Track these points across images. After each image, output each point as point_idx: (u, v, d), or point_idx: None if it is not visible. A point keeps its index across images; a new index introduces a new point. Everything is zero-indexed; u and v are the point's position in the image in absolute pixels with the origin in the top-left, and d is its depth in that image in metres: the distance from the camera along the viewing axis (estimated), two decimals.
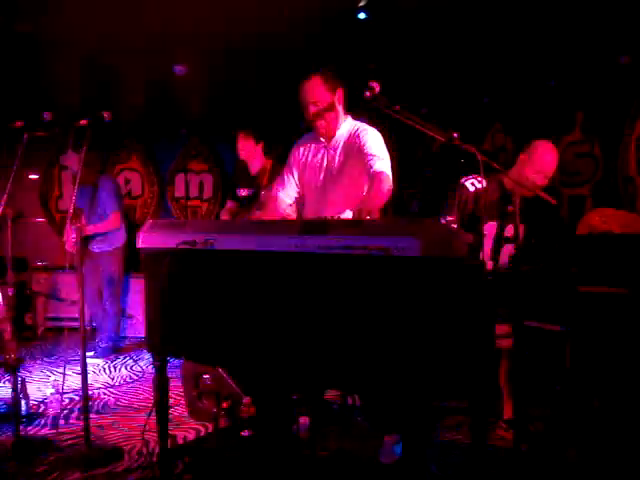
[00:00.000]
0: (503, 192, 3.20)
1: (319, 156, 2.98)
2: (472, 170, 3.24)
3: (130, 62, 4.78)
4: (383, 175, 2.69)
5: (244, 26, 3.96)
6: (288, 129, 5.60)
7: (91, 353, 5.11)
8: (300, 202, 3.14)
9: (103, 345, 5.30)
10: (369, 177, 2.76)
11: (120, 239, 5.26)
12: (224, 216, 4.56)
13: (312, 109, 2.82)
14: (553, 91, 5.33)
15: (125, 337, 6.04)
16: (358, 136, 2.84)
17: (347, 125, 2.93)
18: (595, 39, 4.22)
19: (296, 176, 3.07)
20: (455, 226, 3.12)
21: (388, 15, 3.70)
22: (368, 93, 2.24)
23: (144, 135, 7.49)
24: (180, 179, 7.54)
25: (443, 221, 3.14)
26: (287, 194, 3.08)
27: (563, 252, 2.66)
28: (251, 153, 4.30)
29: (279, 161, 4.22)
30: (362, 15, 3.62)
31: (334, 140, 2.93)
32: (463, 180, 3.22)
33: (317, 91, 2.79)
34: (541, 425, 3.26)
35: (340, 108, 2.89)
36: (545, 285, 2.66)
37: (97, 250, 5.19)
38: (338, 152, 2.91)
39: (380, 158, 2.75)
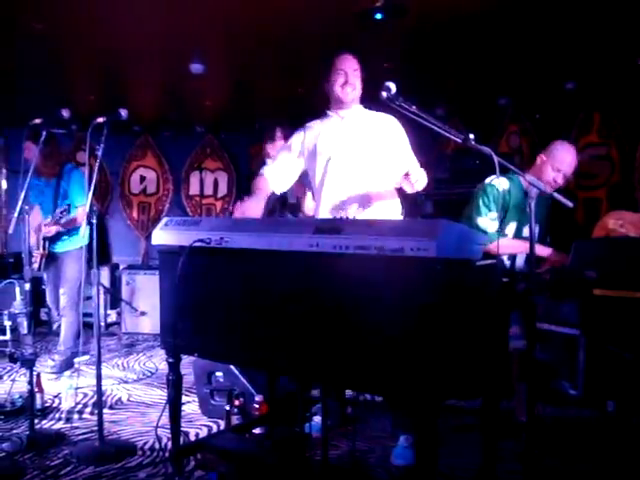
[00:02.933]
0: (522, 193, 3.20)
1: (335, 128, 2.99)
2: (488, 171, 3.24)
3: (147, 60, 4.80)
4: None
5: (260, 25, 3.97)
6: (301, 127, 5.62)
7: (52, 363, 4.65)
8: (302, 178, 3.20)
9: (61, 358, 4.67)
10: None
11: (85, 238, 4.36)
12: (238, 212, 4.54)
13: (351, 75, 2.90)
14: (570, 92, 5.29)
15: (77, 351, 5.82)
16: (379, 121, 2.96)
17: (361, 108, 3.01)
18: (614, 40, 4.19)
19: (296, 154, 3.05)
20: (498, 223, 3.12)
21: (404, 15, 3.68)
22: (384, 93, 2.23)
23: (159, 132, 7.54)
24: (195, 177, 7.58)
25: (484, 218, 3.14)
26: (278, 172, 3.07)
27: (579, 254, 2.65)
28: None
29: None
30: (379, 15, 3.61)
31: (349, 114, 2.98)
32: (489, 180, 3.21)
33: (356, 63, 2.92)
34: (554, 428, 3.25)
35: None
36: (560, 288, 2.65)
37: (59, 250, 4.69)
38: (359, 125, 2.96)
39: (411, 161, 2.93)
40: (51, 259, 4.69)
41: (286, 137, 4.24)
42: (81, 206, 4.44)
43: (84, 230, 4.13)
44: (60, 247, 4.69)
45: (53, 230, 4.52)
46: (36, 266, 4.65)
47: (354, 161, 2.91)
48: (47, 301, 4.94)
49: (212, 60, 4.72)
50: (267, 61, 4.79)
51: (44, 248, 4.63)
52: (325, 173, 2.96)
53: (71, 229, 4.58)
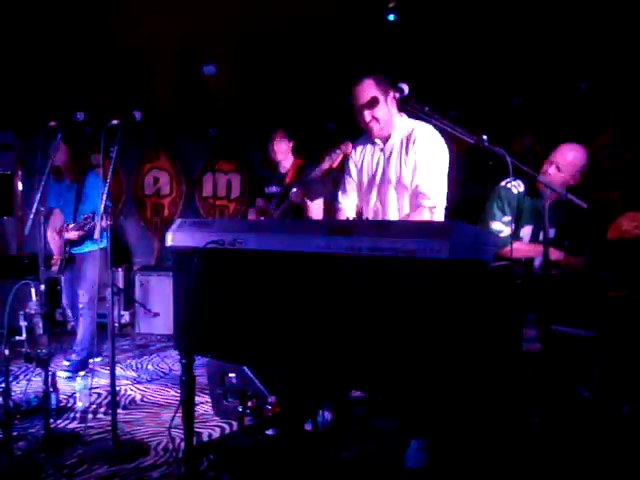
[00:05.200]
0: (538, 196, 3.18)
1: (375, 158, 2.96)
2: (501, 172, 3.23)
3: (160, 62, 4.84)
4: (424, 211, 2.72)
5: (273, 26, 3.99)
6: (317, 129, 5.63)
7: (67, 363, 4.74)
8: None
9: (77, 358, 4.70)
10: (411, 207, 2.80)
11: (104, 240, 4.24)
12: (252, 214, 4.60)
13: (366, 113, 2.82)
14: (584, 93, 5.26)
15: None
16: (414, 143, 2.81)
17: (403, 125, 2.89)
18: (626, 40, 4.16)
19: (355, 177, 3.06)
20: (513, 227, 3.11)
21: (417, 17, 3.68)
22: (397, 94, 2.23)
23: (173, 134, 7.57)
24: (208, 178, 7.61)
25: (498, 222, 3.13)
26: (351, 200, 3.08)
27: (594, 256, 2.63)
28: (285, 154, 4.35)
29: (308, 161, 4.25)
30: (391, 17, 3.61)
31: (390, 143, 2.91)
32: (504, 183, 3.20)
33: (370, 95, 2.78)
34: (568, 431, 3.22)
35: (394, 109, 2.87)
36: (575, 290, 2.63)
37: (79, 251, 4.71)
38: (394, 156, 2.89)
39: (430, 191, 2.75)
40: (70, 261, 4.72)
41: (289, 136, 4.31)
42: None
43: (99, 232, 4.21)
44: (80, 249, 4.71)
45: (76, 236, 4.54)
46: (56, 269, 4.69)
47: (395, 194, 2.89)
48: (62, 303, 4.98)
49: (225, 62, 4.75)
50: (280, 62, 4.81)
51: (65, 252, 4.67)
52: (372, 203, 2.98)
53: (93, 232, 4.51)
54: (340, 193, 3.13)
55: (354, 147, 3.07)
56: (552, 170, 3.15)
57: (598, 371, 2.93)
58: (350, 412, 3.44)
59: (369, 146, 3.00)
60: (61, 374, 4.48)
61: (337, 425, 3.00)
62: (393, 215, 2.89)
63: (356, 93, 2.82)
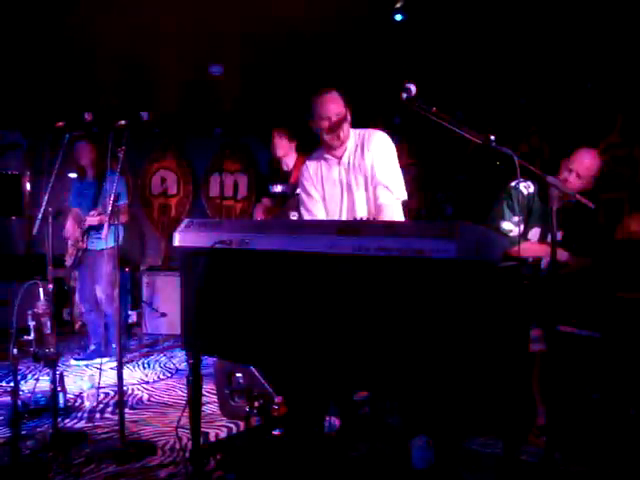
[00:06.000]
0: (547, 197, 3.17)
1: (335, 173, 3.00)
2: (508, 173, 3.22)
3: (166, 62, 4.85)
4: (388, 208, 2.83)
5: (278, 26, 3.99)
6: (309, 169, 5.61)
7: (74, 362, 4.94)
8: None
9: (93, 348, 4.95)
10: (375, 207, 2.88)
11: (121, 237, 4.46)
12: (258, 212, 4.62)
13: (333, 121, 2.86)
14: (591, 93, 5.24)
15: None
16: (366, 146, 2.92)
17: (352, 136, 2.98)
18: (633, 39, 4.14)
19: (318, 197, 3.05)
20: (522, 227, 3.11)
21: (424, 17, 3.68)
22: (404, 95, 2.23)
23: (180, 134, 7.58)
24: (215, 178, 7.62)
25: (508, 222, 3.13)
26: (320, 214, 3.06)
27: (601, 257, 2.62)
28: (286, 151, 4.37)
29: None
30: (398, 17, 3.61)
31: (346, 155, 2.96)
32: (515, 183, 3.19)
33: (338, 104, 2.86)
34: (575, 432, 3.21)
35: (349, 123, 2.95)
36: (582, 290, 2.62)
37: (97, 248, 4.84)
38: (351, 167, 2.95)
39: (386, 184, 2.85)
40: (85, 257, 4.85)
41: (290, 134, 4.35)
42: (124, 204, 4.73)
43: (107, 232, 4.31)
44: (97, 245, 4.82)
45: (96, 220, 4.68)
46: (70, 262, 4.80)
47: (363, 199, 2.95)
48: (77, 299, 5.07)
49: (231, 61, 4.76)
50: (285, 62, 4.81)
51: (82, 242, 4.78)
52: (343, 214, 3.01)
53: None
54: (304, 211, 3.10)
55: (308, 168, 3.08)
56: (572, 177, 3.15)
57: (605, 373, 2.92)
58: (357, 412, 3.45)
59: (323, 162, 3.03)
60: (77, 363, 4.76)
61: (344, 425, 3.00)
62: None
63: (325, 102, 2.87)
